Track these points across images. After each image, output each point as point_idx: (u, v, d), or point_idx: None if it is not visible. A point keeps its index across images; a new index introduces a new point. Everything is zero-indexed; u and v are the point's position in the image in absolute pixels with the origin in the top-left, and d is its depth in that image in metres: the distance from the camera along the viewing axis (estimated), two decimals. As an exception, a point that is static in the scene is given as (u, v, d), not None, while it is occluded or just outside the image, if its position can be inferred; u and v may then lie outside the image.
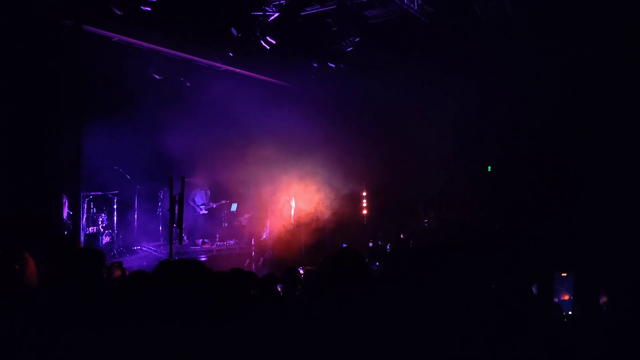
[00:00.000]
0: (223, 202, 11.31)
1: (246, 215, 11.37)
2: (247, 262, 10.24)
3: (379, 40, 10.00)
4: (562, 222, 8.37)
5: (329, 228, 10.74)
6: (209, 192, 11.32)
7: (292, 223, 10.62)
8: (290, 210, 10.81)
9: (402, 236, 10.62)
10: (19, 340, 2.25)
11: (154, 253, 9.99)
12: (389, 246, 9.80)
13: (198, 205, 11.19)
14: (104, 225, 9.53)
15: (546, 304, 3.42)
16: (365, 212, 12.49)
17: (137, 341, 1.94)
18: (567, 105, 9.66)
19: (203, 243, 10.69)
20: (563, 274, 3.80)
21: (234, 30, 8.94)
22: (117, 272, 5.09)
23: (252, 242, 11.10)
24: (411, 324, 2.19)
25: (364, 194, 12.53)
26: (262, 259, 10.28)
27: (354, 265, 2.56)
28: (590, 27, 8.57)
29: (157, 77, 9.82)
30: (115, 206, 9.91)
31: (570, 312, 3.59)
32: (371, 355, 2.12)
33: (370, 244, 9.38)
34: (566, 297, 3.73)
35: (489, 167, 12.25)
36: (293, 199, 10.83)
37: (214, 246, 10.64)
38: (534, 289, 3.92)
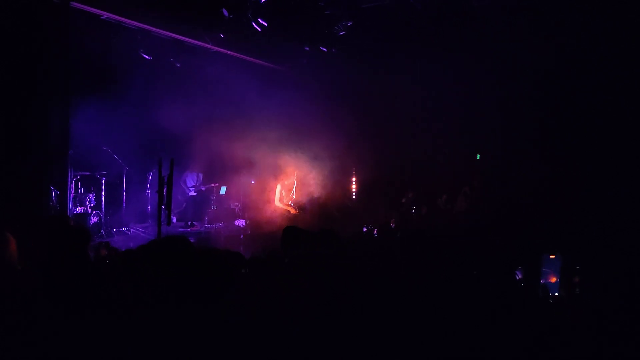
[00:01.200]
0: (212, 185, 11.31)
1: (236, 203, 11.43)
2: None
3: (372, 25, 9.94)
4: (552, 205, 8.49)
5: (335, 215, 10.72)
6: (201, 175, 11.30)
7: (293, 208, 10.49)
8: (291, 194, 10.67)
9: (392, 225, 10.70)
10: (4, 320, 2.25)
11: (142, 234, 9.98)
12: (376, 232, 9.88)
13: (188, 187, 11.17)
14: (91, 205, 9.48)
15: (532, 286, 3.53)
16: (354, 197, 12.54)
17: (126, 319, 1.95)
18: (558, 94, 9.73)
19: (191, 225, 10.70)
20: (551, 256, 3.88)
21: (225, 12, 8.84)
22: (104, 252, 5.09)
23: (242, 225, 11.14)
24: (398, 315, 2.21)
25: (353, 179, 12.56)
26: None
27: (332, 247, 2.58)
28: (589, 20, 8.57)
29: (147, 57, 9.71)
30: (103, 187, 9.86)
31: (556, 294, 3.69)
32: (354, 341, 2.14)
33: (365, 229, 9.44)
34: (553, 280, 3.83)
35: (478, 155, 12.32)
36: (295, 184, 10.71)
37: (202, 228, 10.65)
38: (519, 273, 4.01)
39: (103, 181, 9.84)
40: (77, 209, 9.17)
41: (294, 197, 10.62)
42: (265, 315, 2.06)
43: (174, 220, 10.59)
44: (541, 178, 9.13)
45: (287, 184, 10.52)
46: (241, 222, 11.26)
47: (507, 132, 10.54)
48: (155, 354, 1.79)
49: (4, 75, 6.30)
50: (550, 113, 9.77)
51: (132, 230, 10.25)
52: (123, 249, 5.55)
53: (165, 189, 6.57)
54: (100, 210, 9.71)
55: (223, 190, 11.47)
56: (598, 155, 8.80)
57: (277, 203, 10.41)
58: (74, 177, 9.03)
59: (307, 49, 10.94)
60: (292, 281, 2.42)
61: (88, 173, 9.58)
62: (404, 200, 11.85)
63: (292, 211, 10.42)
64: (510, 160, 10.53)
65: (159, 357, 1.74)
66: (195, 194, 11.14)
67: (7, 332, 2.14)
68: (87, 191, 9.53)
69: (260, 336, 1.87)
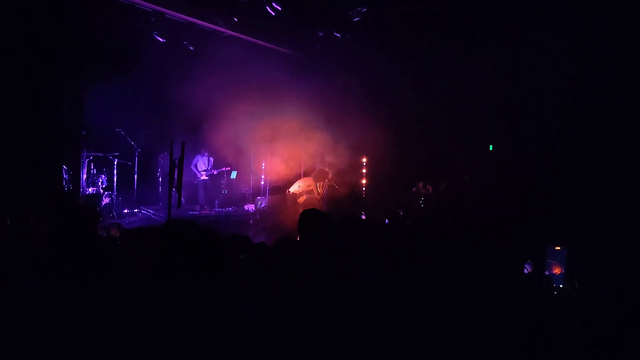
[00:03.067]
0: (224, 169, 11.33)
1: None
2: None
3: (387, 11, 9.83)
4: (558, 197, 8.45)
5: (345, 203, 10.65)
6: (211, 158, 11.33)
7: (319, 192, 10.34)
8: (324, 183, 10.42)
9: (400, 213, 10.66)
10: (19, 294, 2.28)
11: (152, 217, 10.07)
12: (387, 220, 9.86)
13: (199, 171, 11.22)
14: (103, 186, 9.56)
15: (537, 278, 3.49)
16: (364, 181, 12.47)
17: (123, 295, 1.97)
18: (569, 91, 9.60)
19: (202, 209, 10.76)
20: (557, 248, 3.84)
21: (239, -5, 8.80)
22: (115, 232, 5.15)
23: (252, 210, 11.19)
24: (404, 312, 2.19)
25: (364, 163, 12.47)
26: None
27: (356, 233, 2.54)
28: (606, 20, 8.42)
29: (160, 39, 9.70)
30: (115, 168, 9.93)
31: (561, 286, 3.65)
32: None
33: (364, 217, 9.41)
34: (557, 271, 3.78)
35: (491, 146, 12.22)
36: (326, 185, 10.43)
37: (212, 212, 10.71)
38: (527, 267, 3.97)
39: (115, 162, 9.91)
40: (90, 190, 9.26)
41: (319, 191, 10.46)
42: (257, 302, 2.06)
43: (183, 202, 10.68)
44: (549, 171, 9.08)
45: (315, 182, 10.26)
46: (251, 207, 11.31)
47: (519, 125, 10.42)
48: (149, 333, 1.80)
49: (16, 56, 6.34)
50: (561, 109, 9.66)
51: (142, 212, 10.34)
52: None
53: (176, 172, 6.61)
54: (112, 192, 9.80)
55: (234, 174, 11.51)
56: (610, 151, 8.70)
57: (294, 190, 10.31)
58: (86, 158, 9.11)
59: (321, 34, 10.86)
60: (297, 268, 2.42)
61: (101, 154, 9.64)
62: (414, 189, 11.81)
63: (317, 196, 10.32)
64: (519, 153, 10.44)
65: (154, 336, 1.75)
66: (206, 178, 11.19)
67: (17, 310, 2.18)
68: (100, 172, 9.61)
69: (249, 323, 1.87)
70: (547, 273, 3.75)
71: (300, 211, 3.51)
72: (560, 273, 3.76)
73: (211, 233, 2.13)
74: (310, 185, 10.11)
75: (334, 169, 11.05)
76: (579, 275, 3.51)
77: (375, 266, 2.65)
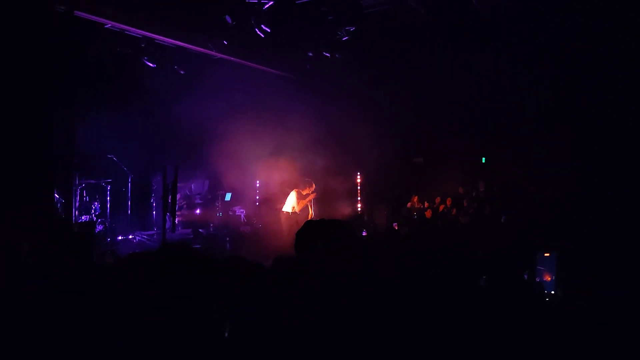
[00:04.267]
0: (218, 192, 11.30)
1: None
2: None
3: (375, 30, 9.96)
4: (552, 205, 8.47)
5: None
6: (207, 182, 11.30)
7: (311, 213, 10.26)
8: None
9: (395, 227, 10.65)
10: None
11: (147, 242, 9.98)
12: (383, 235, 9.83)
13: (193, 195, 11.18)
14: (97, 213, 9.49)
15: (529, 284, 3.52)
16: (359, 201, 12.47)
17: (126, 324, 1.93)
18: (558, 98, 9.71)
19: (197, 232, 10.68)
20: (546, 254, 3.89)
21: (228, 18, 8.88)
22: (109, 260, 5.09)
23: (247, 231, 11.12)
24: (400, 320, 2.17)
25: (359, 181, 12.47)
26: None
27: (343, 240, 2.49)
28: (590, 20, 8.55)
29: (151, 65, 9.75)
30: (108, 195, 9.87)
31: (552, 292, 3.67)
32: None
33: (364, 233, 9.37)
34: (548, 278, 3.82)
35: (483, 159, 12.30)
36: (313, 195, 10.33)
37: (207, 235, 10.63)
38: (525, 276, 3.97)
39: (108, 189, 9.85)
40: (83, 217, 9.18)
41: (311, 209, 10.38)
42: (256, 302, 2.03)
43: (178, 227, 10.60)
44: (543, 179, 9.13)
45: (304, 194, 10.22)
46: (246, 228, 11.25)
47: (511, 136, 10.52)
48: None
49: (7, 83, 6.33)
50: (552, 118, 9.77)
51: (137, 237, 10.25)
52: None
53: (169, 196, 6.59)
54: (106, 218, 9.71)
55: (228, 196, 11.48)
56: (604, 155, 8.77)
57: (288, 209, 10.27)
58: (79, 185, 9.05)
59: (311, 54, 10.96)
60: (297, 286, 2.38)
61: (93, 181, 9.59)
62: (409, 205, 11.82)
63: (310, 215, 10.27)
64: (514, 162, 10.51)
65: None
66: (201, 202, 11.15)
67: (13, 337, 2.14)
68: (92, 199, 9.54)
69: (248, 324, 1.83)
70: (537, 280, 3.79)
71: (295, 229, 3.42)
72: (551, 280, 3.80)
73: (206, 255, 2.10)
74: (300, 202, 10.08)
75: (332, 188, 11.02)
76: (570, 281, 3.52)
77: (374, 268, 2.63)
